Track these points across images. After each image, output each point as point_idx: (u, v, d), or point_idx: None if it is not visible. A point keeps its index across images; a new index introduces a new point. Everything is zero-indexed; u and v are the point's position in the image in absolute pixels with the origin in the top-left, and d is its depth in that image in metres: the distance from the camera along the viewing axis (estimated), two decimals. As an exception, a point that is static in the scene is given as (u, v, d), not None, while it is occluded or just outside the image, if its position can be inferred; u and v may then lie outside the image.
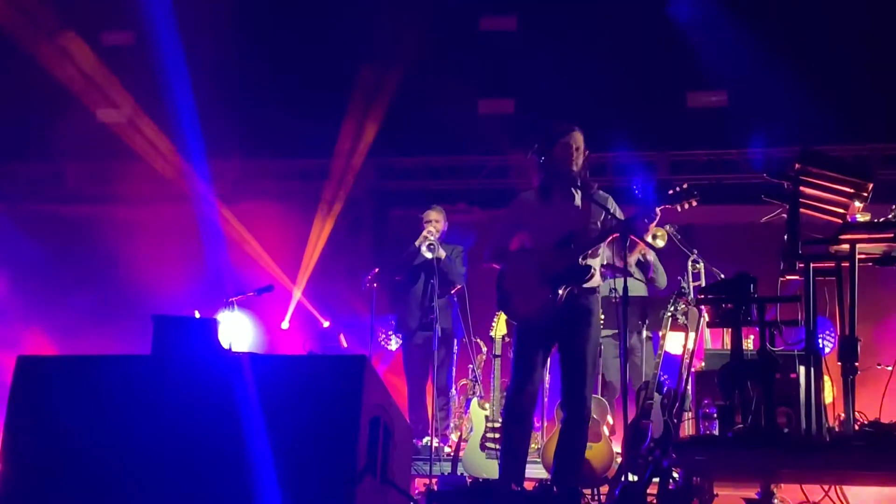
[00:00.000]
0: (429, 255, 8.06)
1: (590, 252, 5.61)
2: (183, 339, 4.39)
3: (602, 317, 7.19)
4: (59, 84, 9.98)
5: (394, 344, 9.70)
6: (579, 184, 5.74)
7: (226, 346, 4.85)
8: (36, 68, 9.89)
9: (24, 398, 3.94)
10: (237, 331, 9.07)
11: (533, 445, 7.49)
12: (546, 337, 5.67)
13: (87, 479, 3.89)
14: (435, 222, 8.37)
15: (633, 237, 5.68)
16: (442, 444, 8.05)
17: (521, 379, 5.66)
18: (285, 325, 10.05)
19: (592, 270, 5.61)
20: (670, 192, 5.55)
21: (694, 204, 5.55)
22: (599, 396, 7.31)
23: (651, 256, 7.81)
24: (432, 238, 8.14)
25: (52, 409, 4.00)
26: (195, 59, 9.24)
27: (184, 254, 9.90)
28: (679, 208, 5.56)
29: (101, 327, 9.72)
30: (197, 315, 8.28)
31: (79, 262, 10.52)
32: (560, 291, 5.52)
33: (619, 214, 5.73)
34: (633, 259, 6.00)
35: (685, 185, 5.55)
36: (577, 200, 5.75)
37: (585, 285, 5.62)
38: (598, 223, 5.68)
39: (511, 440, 5.70)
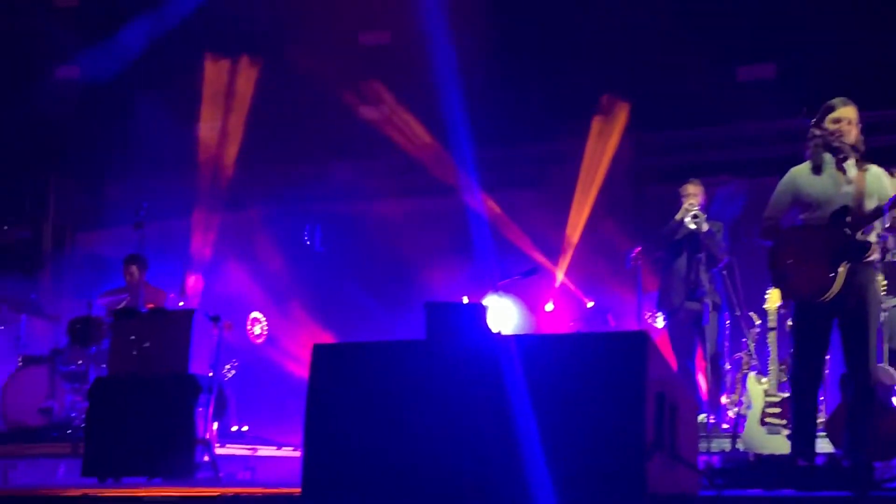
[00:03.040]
0: (693, 227, 7.96)
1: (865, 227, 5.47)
2: (454, 324, 4.51)
3: (885, 283, 6.89)
4: (321, 84, 10.44)
5: (660, 321, 9.59)
6: (853, 158, 5.58)
7: (494, 330, 4.95)
8: (299, 73, 10.39)
9: (320, 384, 4.14)
10: (504, 314, 9.22)
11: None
12: (827, 313, 5.55)
13: (377, 462, 4.04)
14: (693, 196, 8.27)
15: None
16: (717, 421, 7.92)
17: (805, 355, 5.61)
18: (549, 307, 10.12)
19: (872, 246, 5.46)
20: None
21: None
22: (886, 366, 6.98)
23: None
24: (696, 209, 8.04)
25: (343, 393, 4.19)
26: (448, 50, 9.44)
27: (450, 242, 10.15)
28: None
29: (377, 316, 10.10)
30: (466, 301, 8.49)
31: (351, 256, 10.95)
32: (840, 269, 5.38)
33: (893, 189, 5.55)
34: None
35: None
36: (852, 175, 5.58)
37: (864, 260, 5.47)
38: (877, 198, 5.51)
39: (800, 417, 5.61)
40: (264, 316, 10.24)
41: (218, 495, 4.34)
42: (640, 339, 3.88)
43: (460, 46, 9.47)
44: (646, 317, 9.62)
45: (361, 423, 4.11)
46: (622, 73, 10.01)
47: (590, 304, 9.87)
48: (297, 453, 8.78)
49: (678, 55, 9.63)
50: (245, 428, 9.16)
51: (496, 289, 8.80)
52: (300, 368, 10.36)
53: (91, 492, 5.59)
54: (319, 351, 4.20)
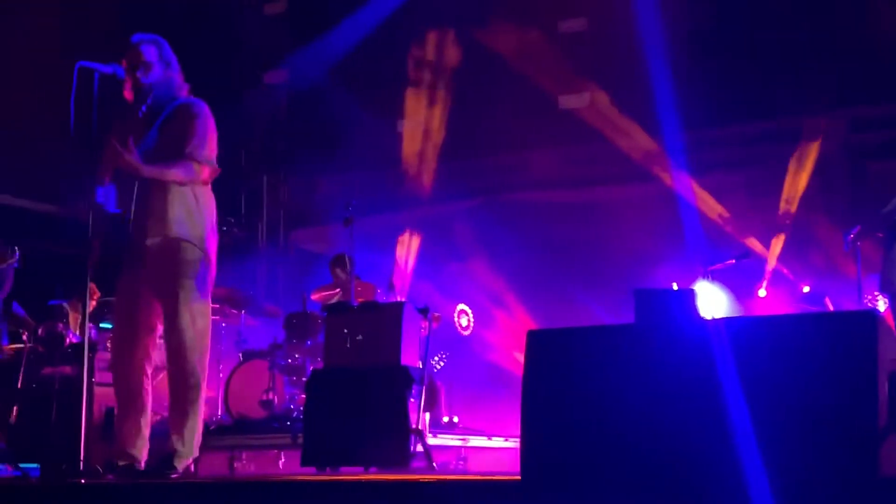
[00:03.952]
0: (918, 205, 7.56)
1: None
2: (663, 310, 4.43)
3: None
4: (521, 75, 10.47)
5: (882, 304, 9.15)
6: None
7: (704, 316, 4.83)
8: (498, 63, 10.45)
9: (535, 370, 4.12)
10: (714, 301, 9.00)
11: None
12: None
13: (592, 448, 3.99)
14: (917, 171, 7.87)
15: None
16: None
17: None
18: (762, 293, 9.80)
19: None
20: None
21: None
22: None
23: None
24: (920, 186, 7.64)
25: (557, 378, 4.16)
26: (650, 30, 9.29)
27: (656, 228, 9.98)
28: None
29: (583, 306, 10.03)
30: (675, 287, 8.33)
31: (554, 245, 10.91)
32: None
33: None
34: None
35: None
36: None
37: None
38: None
39: None
40: (471, 308, 10.33)
41: (442, 480, 4.39)
42: (870, 319, 3.69)
43: (662, 26, 9.29)
44: (866, 300, 9.20)
45: (575, 407, 4.08)
46: (832, 43, 9.58)
47: (806, 289, 9.51)
48: (509, 444, 8.82)
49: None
50: (455, 419, 9.26)
51: (706, 275, 8.59)
52: (507, 360, 10.41)
53: (318, 478, 5.77)
54: (534, 337, 4.19)
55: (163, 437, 5.48)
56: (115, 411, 5.54)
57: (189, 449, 5.37)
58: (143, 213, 5.40)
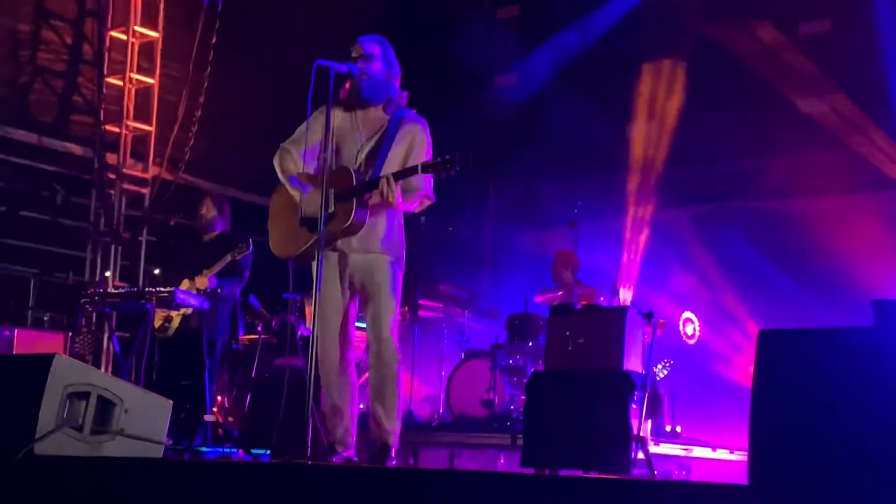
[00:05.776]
0: None
1: None
2: (902, 320, 4.24)
3: None
4: (759, 77, 10.16)
5: None
6: None
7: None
8: (734, 63, 10.18)
9: (766, 371, 3.97)
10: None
11: None
12: None
13: (823, 453, 3.81)
14: None
15: None
16: None
17: None
18: None
19: None
20: None
21: None
22: None
23: None
24: None
25: (788, 380, 4.01)
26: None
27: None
28: None
29: (816, 318, 9.61)
30: (920, 299, 7.87)
31: (788, 256, 10.49)
32: None
33: None
34: None
35: None
36: None
37: None
38: None
39: None
40: (697, 316, 10.08)
41: (665, 482, 4.29)
42: None
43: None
44: None
45: (807, 410, 3.91)
46: None
47: None
48: (734, 457, 8.55)
49: None
50: (678, 428, 9.04)
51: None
52: (734, 371, 10.10)
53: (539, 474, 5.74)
54: (765, 337, 4.03)
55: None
56: (322, 401, 5.77)
57: (395, 437, 5.68)
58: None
